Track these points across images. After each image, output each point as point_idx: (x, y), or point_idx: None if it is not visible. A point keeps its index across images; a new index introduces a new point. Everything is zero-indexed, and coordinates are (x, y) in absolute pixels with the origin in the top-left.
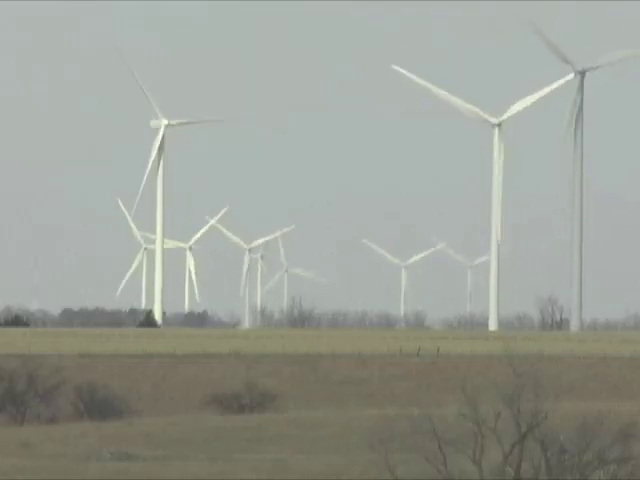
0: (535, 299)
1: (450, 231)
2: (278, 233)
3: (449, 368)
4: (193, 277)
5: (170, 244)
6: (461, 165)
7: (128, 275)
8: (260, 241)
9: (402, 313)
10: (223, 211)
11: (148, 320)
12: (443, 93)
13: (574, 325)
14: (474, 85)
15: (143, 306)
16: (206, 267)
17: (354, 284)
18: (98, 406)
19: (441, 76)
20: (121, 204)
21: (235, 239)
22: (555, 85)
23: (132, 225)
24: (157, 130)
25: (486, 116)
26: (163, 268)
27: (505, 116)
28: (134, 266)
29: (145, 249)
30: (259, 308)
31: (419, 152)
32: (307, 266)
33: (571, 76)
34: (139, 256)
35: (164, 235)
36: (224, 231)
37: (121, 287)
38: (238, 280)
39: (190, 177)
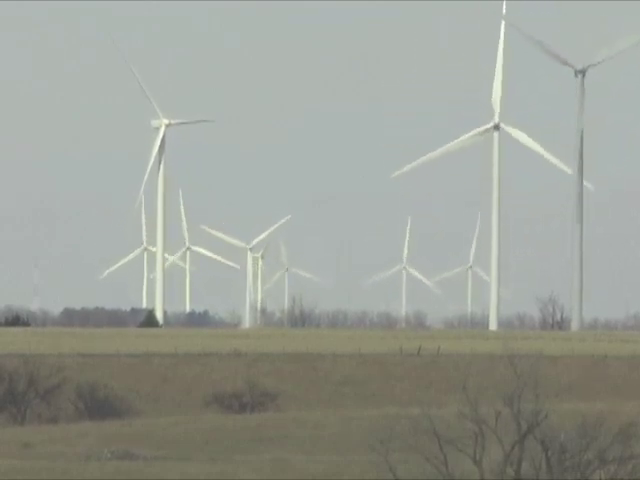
0: (535, 299)
1: (449, 231)
2: (276, 225)
3: (449, 368)
4: (215, 256)
5: (171, 259)
6: (461, 165)
7: (120, 264)
8: (260, 237)
9: (403, 313)
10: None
11: (149, 320)
12: (441, 150)
13: (574, 325)
14: (472, 85)
15: (144, 306)
16: (206, 267)
17: (354, 284)
18: (98, 406)
19: (439, 76)
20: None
21: (234, 241)
22: (500, 49)
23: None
24: (157, 130)
25: (483, 127)
26: (164, 268)
27: (497, 112)
28: (129, 257)
29: (145, 249)
30: (260, 308)
31: (418, 152)
32: (307, 265)
33: (503, 25)
34: (137, 252)
35: (164, 235)
36: (221, 235)
37: (108, 271)
38: (239, 280)
39: (190, 177)
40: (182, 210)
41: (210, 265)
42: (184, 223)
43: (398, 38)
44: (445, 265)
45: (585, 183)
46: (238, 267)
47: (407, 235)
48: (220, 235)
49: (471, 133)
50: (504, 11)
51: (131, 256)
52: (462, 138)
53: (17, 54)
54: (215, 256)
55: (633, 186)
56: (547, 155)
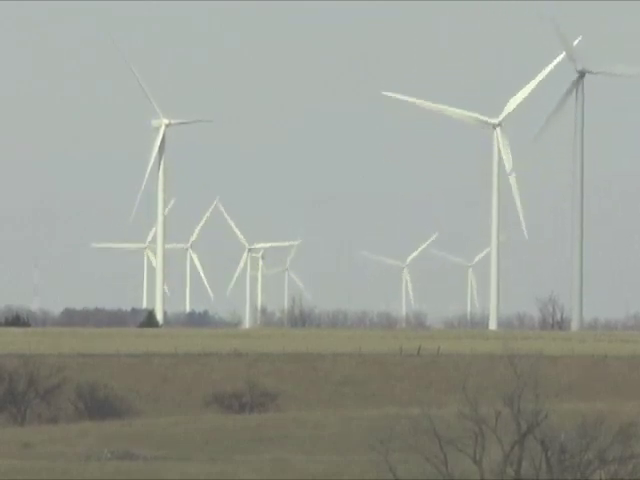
0: (535, 299)
1: (450, 230)
2: (285, 244)
3: (449, 368)
4: (202, 275)
5: (170, 247)
6: (461, 165)
7: (119, 246)
8: (266, 245)
9: (403, 313)
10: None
11: (149, 320)
12: (439, 107)
13: (574, 325)
14: (472, 85)
15: (144, 306)
16: (207, 266)
17: (354, 284)
18: (98, 406)
19: (439, 76)
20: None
21: (239, 235)
22: (546, 71)
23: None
24: (157, 130)
25: (485, 118)
26: (164, 268)
27: (503, 114)
28: (129, 246)
29: (146, 249)
30: (260, 308)
31: (418, 152)
32: (307, 267)
33: (561, 57)
34: (139, 245)
35: (165, 235)
36: (229, 222)
37: (105, 245)
38: (239, 279)
39: (190, 177)
40: (207, 214)
41: (210, 264)
42: (200, 225)
43: (398, 38)
44: (445, 266)
45: (523, 227)
46: (212, 295)
47: (424, 245)
48: (233, 226)
49: (475, 114)
50: (574, 44)
51: (132, 246)
52: (465, 112)
53: (17, 54)
54: (202, 273)
55: (633, 186)
56: (512, 179)
